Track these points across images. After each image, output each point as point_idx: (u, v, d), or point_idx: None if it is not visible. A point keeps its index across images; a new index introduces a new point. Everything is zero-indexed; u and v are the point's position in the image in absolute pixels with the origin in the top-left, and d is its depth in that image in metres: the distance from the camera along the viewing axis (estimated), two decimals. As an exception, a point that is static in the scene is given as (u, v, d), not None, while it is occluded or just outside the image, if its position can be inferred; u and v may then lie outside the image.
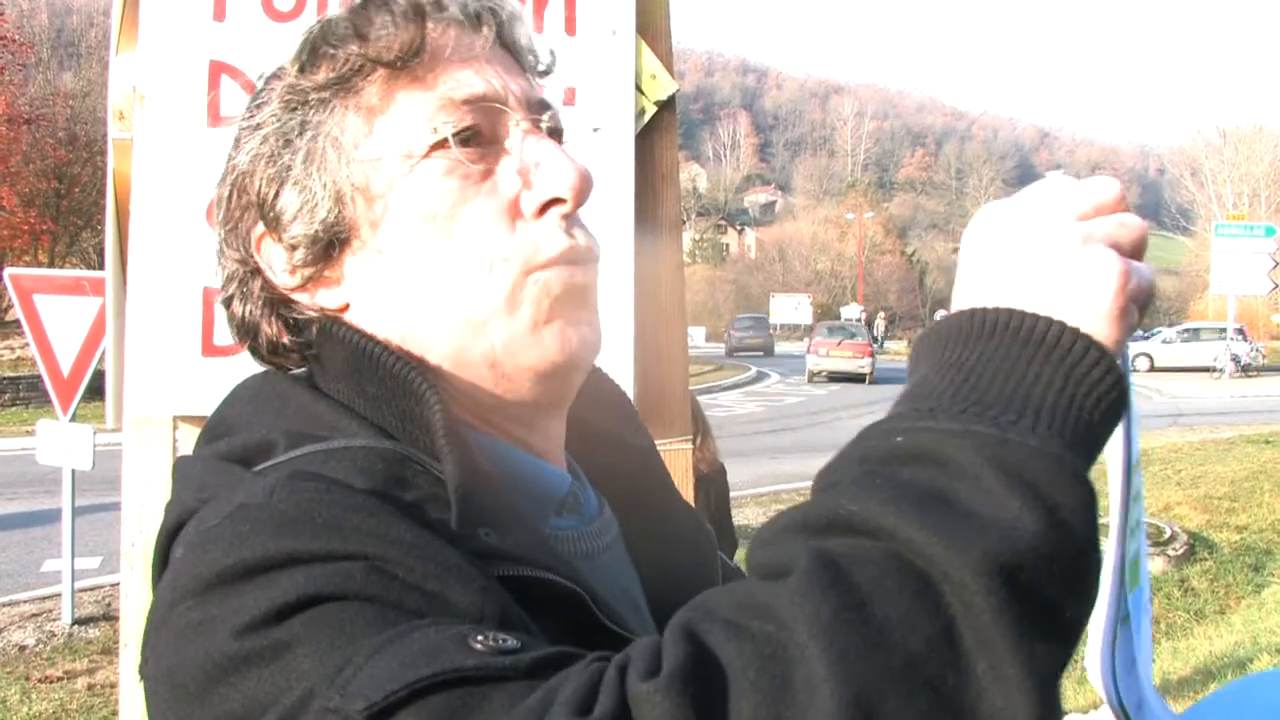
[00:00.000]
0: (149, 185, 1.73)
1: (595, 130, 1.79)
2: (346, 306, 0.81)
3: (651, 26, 1.88)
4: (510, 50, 0.84)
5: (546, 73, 0.88)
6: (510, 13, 0.84)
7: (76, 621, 6.50)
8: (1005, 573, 0.52)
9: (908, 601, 0.52)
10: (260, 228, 0.81)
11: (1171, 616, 6.90)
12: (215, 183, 0.85)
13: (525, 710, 0.55)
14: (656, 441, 1.01)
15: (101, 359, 5.95)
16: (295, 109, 0.80)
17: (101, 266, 2.19)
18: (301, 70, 0.80)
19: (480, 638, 0.59)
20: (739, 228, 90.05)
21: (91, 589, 7.15)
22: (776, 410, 21.51)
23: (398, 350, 0.77)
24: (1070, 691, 4.17)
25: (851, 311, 51.85)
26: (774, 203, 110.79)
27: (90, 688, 5.56)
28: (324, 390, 0.81)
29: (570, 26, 1.84)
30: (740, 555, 4.45)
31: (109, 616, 6.57)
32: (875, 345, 33.83)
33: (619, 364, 1.72)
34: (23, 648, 6.18)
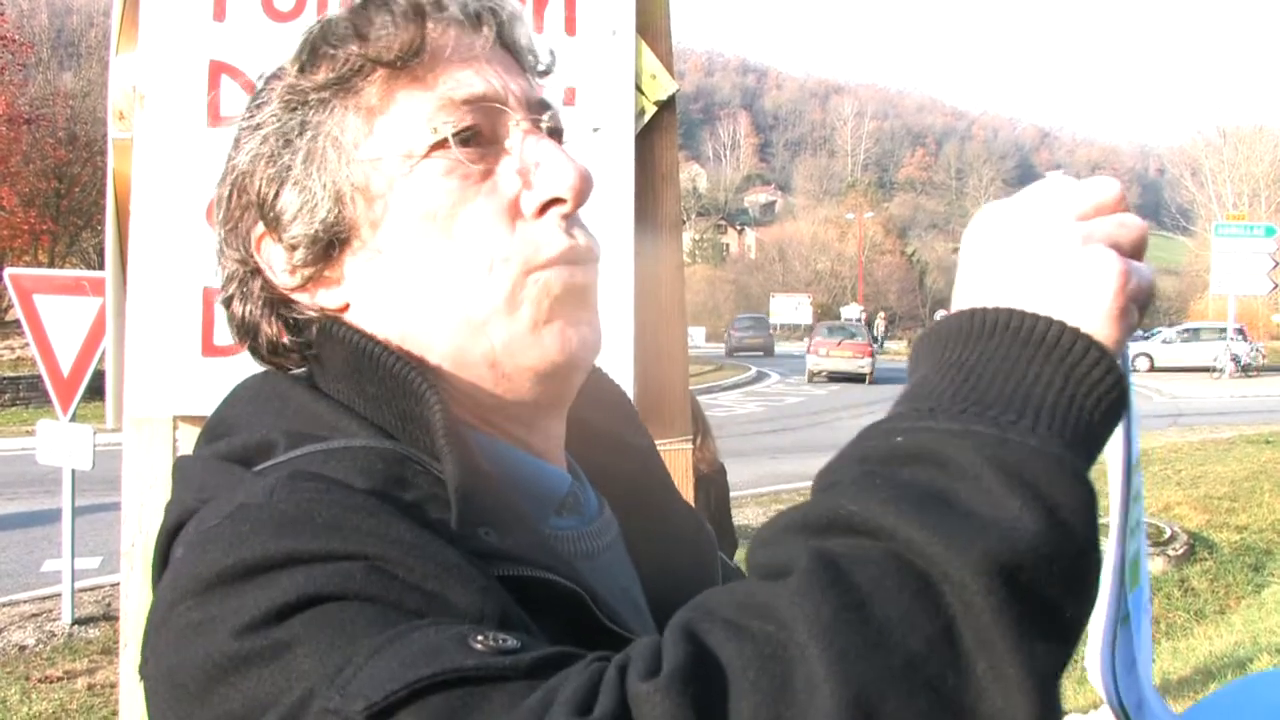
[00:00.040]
0: (149, 185, 1.73)
1: (595, 130, 1.79)
2: (346, 306, 0.81)
3: (651, 26, 1.88)
4: (510, 50, 0.84)
5: (546, 73, 0.88)
6: (510, 12, 0.84)
7: (76, 621, 6.50)
8: (1005, 573, 0.52)
9: (908, 601, 0.52)
10: (260, 228, 0.81)
11: (1171, 616, 6.90)
12: (215, 183, 0.85)
13: (525, 710, 0.55)
14: (656, 441, 1.00)
15: (101, 359, 5.95)
16: (295, 109, 0.80)
17: (101, 266, 2.19)
18: (301, 70, 0.80)
19: (480, 638, 0.59)
20: (739, 228, 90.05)
21: (91, 589, 7.15)
22: (776, 410, 21.51)
23: (398, 350, 0.77)
24: (1070, 691, 4.17)
25: (851, 311, 51.85)
26: (774, 203, 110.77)
27: (90, 688, 5.56)
28: (324, 390, 0.80)
29: (570, 26, 1.84)
30: (740, 555, 4.45)
31: (109, 616, 6.57)
32: (875, 345, 33.90)
33: (619, 364, 1.72)
34: (23, 648, 6.18)
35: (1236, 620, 6.76)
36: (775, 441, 16.02)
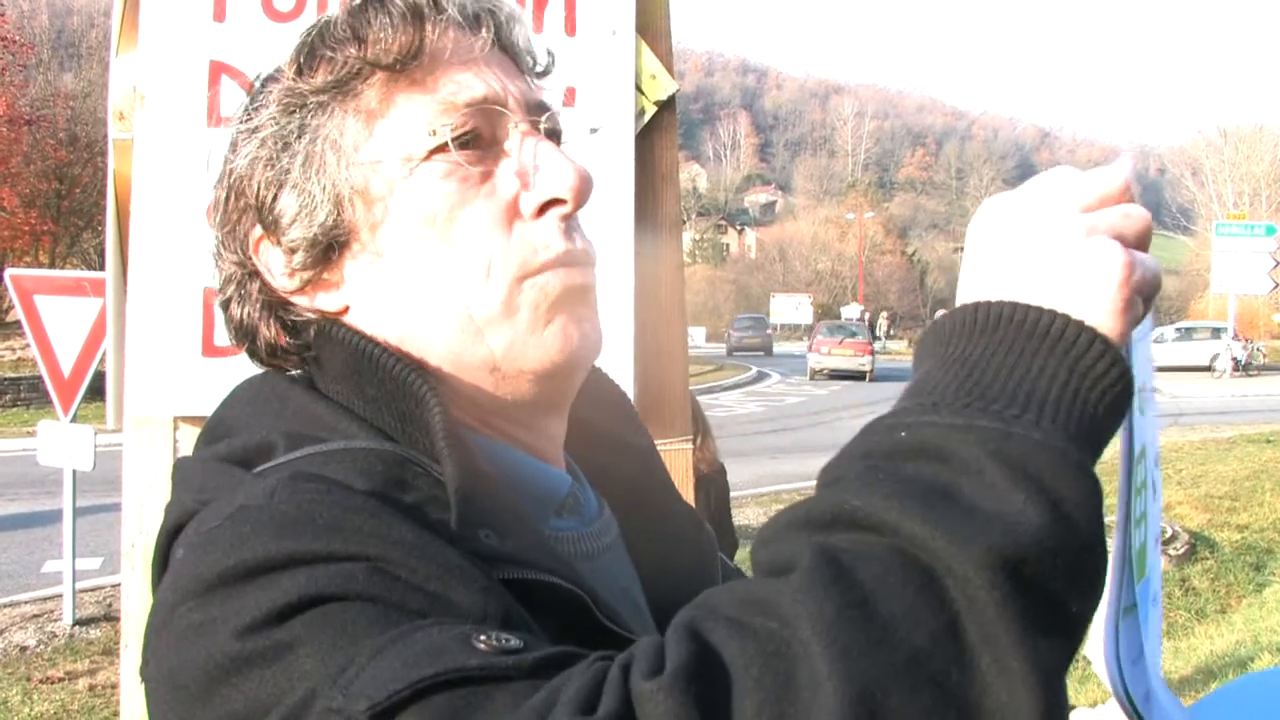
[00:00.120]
0: (149, 185, 1.73)
1: (595, 130, 1.79)
2: (346, 309, 0.81)
3: (651, 26, 1.88)
4: (509, 52, 0.84)
5: (545, 73, 0.88)
6: (509, 14, 0.83)
7: (77, 622, 6.50)
8: (1009, 567, 0.52)
9: (911, 597, 0.52)
10: (258, 230, 0.81)
11: (1173, 616, 6.90)
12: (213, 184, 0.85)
13: (529, 710, 0.55)
14: (656, 441, 1.00)
15: (102, 360, 5.95)
16: (293, 112, 0.80)
17: (102, 267, 2.19)
18: (299, 73, 0.80)
19: (483, 638, 0.59)
20: (739, 228, 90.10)
21: (92, 590, 7.15)
22: (777, 410, 21.50)
23: (397, 352, 0.77)
24: (1071, 691, 4.17)
25: (852, 311, 51.90)
26: (774, 203, 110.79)
27: (91, 689, 5.56)
28: (323, 392, 0.80)
29: (570, 26, 1.84)
30: (741, 555, 4.46)
31: (110, 617, 6.57)
32: (877, 344, 34.11)
33: (619, 364, 1.72)
34: (24, 649, 6.18)
35: (1237, 619, 6.76)
36: (775, 441, 16.02)
